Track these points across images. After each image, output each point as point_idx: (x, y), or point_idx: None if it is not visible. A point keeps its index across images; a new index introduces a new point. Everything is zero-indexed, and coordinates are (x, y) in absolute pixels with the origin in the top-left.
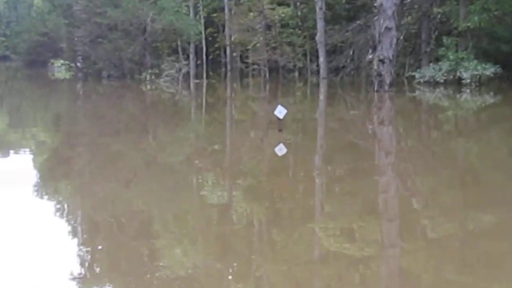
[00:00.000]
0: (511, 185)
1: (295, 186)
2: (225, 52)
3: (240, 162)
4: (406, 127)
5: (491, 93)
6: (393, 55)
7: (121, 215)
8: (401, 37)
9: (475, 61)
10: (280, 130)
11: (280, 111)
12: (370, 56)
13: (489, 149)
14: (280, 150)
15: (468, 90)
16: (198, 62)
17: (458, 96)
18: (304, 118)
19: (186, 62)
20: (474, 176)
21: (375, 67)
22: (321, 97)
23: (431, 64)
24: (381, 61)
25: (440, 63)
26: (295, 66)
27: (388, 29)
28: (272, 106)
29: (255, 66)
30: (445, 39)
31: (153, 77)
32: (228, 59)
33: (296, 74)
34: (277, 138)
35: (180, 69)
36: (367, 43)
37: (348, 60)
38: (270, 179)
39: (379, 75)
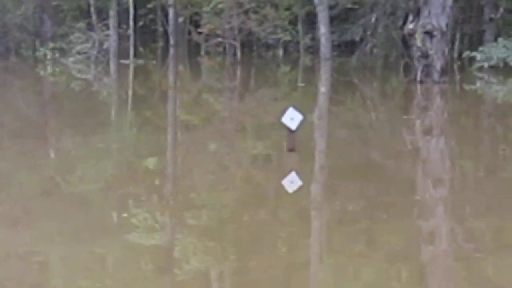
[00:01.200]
0: None
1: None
2: (166, 16)
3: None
4: (464, 142)
5: None
6: (447, 25)
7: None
8: None
9: None
10: (291, 150)
11: (293, 118)
12: (411, 27)
13: None
14: (292, 182)
15: None
16: (128, 31)
17: None
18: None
19: (108, 32)
20: None
21: (418, 43)
22: (324, 89)
23: (500, 40)
24: (428, 33)
25: None
26: (278, 40)
27: None
28: (248, 103)
29: (219, 40)
30: None
31: (56, 54)
32: (171, 28)
33: (280, 52)
34: (281, 161)
35: (99, 43)
36: (401, 6)
37: (368, 32)
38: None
39: (425, 56)
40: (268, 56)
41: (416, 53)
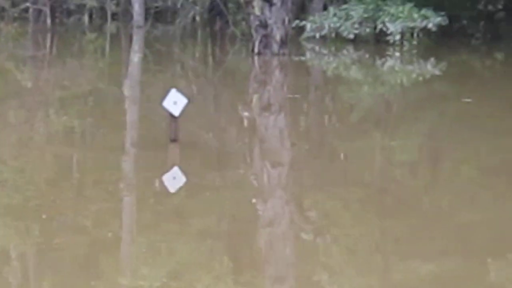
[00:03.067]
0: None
1: None
2: None
3: None
4: (300, 119)
5: (432, 59)
6: None
7: None
8: None
9: (408, 5)
10: (174, 140)
11: (176, 101)
12: None
13: (425, 154)
14: (174, 179)
15: (397, 53)
16: None
17: (379, 62)
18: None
19: None
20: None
21: (257, 12)
22: (137, 59)
23: (330, 9)
24: (268, 1)
25: (345, 6)
26: (84, 6)
27: None
28: (69, 74)
29: (28, 5)
30: None
31: None
32: None
33: (86, 18)
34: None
35: None
36: None
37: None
38: None
39: (264, 25)
40: (70, 22)
41: (254, 23)
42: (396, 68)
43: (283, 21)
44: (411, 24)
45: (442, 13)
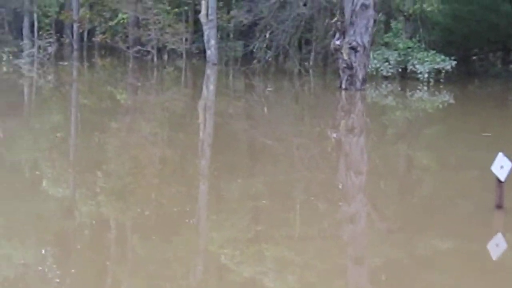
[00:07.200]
0: None
1: None
2: (71, 30)
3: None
4: (383, 140)
5: (446, 91)
6: (368, 42)
7: None
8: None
9: (431, 52)
10: (499, 206)
11: (502, 166)
12: (337, 42)
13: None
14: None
15: (426, 87)
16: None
17: (413, 95)
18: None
19: (51, 40)
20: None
21: (345, 57)
22: (213, 88)
23: (370, 54)
24: (353, 49)
25: (380, 52)
26: (165, 47)
27: (364, 6)
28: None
29: (139, 48)
30: (393, 23)
31: (10, 56)
32: (75, 37)
33: (166, 57)
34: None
35: (44, 48)
36: (299, 22)
37: (264, 45)
38: None
39: (350, 67)
40: (146, 59)
41: (342, 65)
42: (424, 98)
43: (364, 64)
44: (436, 66)
45: (454, 57)
